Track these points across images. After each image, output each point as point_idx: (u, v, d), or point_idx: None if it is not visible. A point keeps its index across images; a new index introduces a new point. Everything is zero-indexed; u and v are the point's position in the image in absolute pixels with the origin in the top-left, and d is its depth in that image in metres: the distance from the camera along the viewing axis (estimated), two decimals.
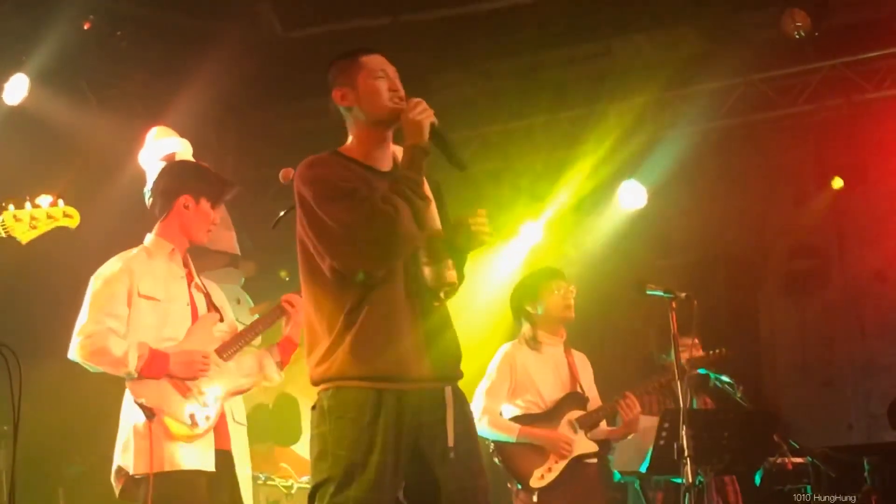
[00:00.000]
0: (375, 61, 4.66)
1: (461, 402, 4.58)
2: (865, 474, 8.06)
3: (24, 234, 5.04)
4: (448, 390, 4.50)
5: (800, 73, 10.75)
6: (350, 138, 4.67)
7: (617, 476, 8.14)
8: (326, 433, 4.35)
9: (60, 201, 5.07)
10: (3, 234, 5.03)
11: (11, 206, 5.01)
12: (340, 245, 4.31)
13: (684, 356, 8.14)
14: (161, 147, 6.83)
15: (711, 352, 7.93)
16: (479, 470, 4.53)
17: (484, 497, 4.49)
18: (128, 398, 5.70)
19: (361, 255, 4.30)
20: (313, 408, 4.46)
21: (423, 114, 4.48)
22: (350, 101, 4.61)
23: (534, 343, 7.65)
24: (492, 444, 7.42)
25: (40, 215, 5.04)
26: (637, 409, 7.50)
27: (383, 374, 4.35)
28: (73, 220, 5.15)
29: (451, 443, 4.42)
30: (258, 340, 6.28)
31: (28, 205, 5.03)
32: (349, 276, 4.33)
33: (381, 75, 4.63)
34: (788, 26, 9.99)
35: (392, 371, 4.37)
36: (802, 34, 9.98)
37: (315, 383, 4.46)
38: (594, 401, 7.70)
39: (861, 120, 10.60)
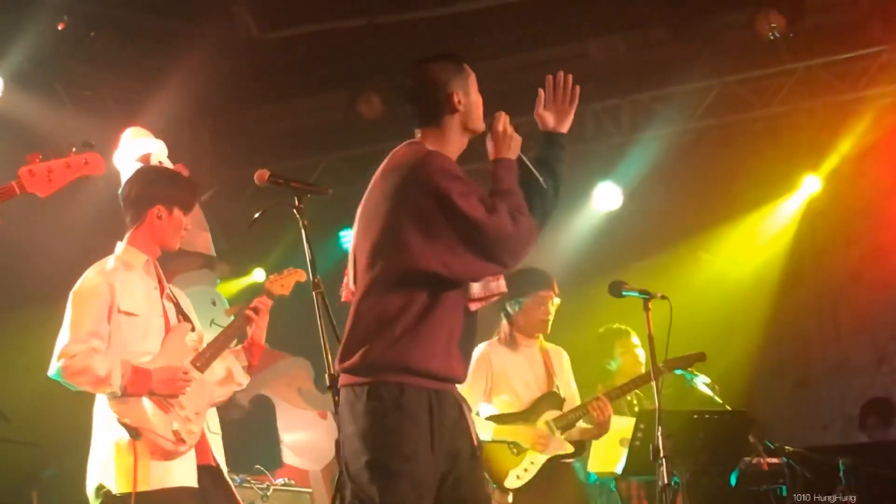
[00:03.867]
0: (474, 76, 4.82)
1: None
2: (840, 475, 8.07)
3: (42, 189, 4.86)
4: (457, 389, 4.67)
5: (775, 75, 10.78)
6: (431, 140, 4.72)
7: (593, 477, 8.14)
8: (395, 427, 4.39)
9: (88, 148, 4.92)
10: (18, 192, 4.86)
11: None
12: (502, 242, 4.43)
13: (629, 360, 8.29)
14: (136, 148, 6.77)
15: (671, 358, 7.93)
16: None
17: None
18: (103, 414, 5.62)
19: (516, 254, 4.50)
20: (353, 391, 4.46)
21: (514, 132, 4.73)
22: (462, 107, 4.72)
23: (510, 342, 7.66)
24: None
25: (58, 166, 4.87)
26: (608, 411, 7.51)
27: (438, 373, 4.48)
28: (95, 168, 4.98)
29: (475, 442, 4.63)
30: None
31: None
32: (480, 278, 4.55)
33: (478, 89, 4.81)
34: (763, 28, 10.04)
35: (443, 371, 4.50)
36: (777, 35, 10.03)
37: (371, 367, 4.45)
38: (571, 397, 7.70)
39: (836, 121, 10.64)
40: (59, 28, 9.54)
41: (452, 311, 4.52)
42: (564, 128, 5.02)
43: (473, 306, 4.62)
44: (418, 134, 4.77)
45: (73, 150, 4.95)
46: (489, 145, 4.73)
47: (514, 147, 4.69)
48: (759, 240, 11.60)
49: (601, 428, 7.55)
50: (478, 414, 7.46)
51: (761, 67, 10.77)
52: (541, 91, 5.01)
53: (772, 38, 10.05)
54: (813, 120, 10.77)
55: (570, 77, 5.01)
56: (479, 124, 4.77)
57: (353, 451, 4.43)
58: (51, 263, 8.79)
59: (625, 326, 8.61)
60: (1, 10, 9.09)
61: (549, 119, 5.00)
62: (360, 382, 4.45)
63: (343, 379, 4.52)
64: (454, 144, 4.73)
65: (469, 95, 4.73)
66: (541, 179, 4.76)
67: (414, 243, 4.41)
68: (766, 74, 10.81)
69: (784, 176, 11.21)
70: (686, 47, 10.90)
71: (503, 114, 4.75)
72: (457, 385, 4.65)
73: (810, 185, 11.12)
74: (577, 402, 7.67)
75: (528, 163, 4.76)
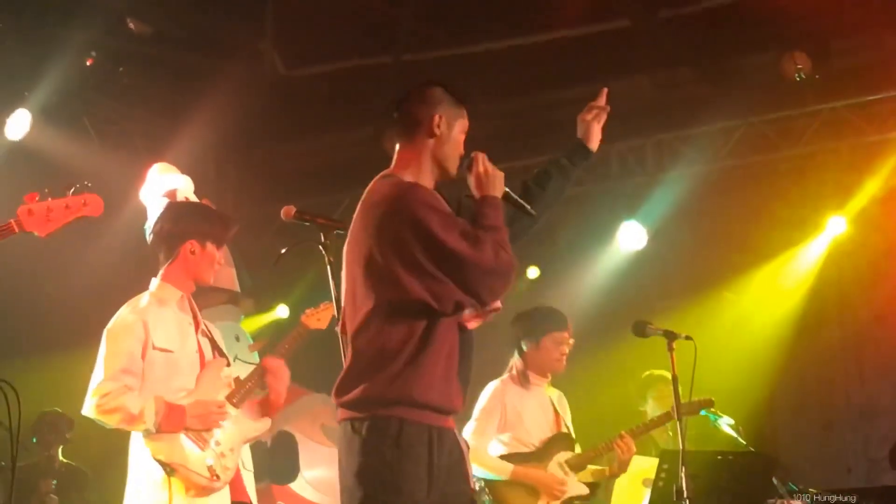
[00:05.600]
0: (467, 121, 4.79)
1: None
2: None
3: (40, 228, 4.90)
4: (455, 429, 4.59)
5: (800, 116, 10.77)
6: (405, 168, 4.68)
7: None
8: (393, 463, 4.31)
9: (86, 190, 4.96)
10: (16, 230, 4.88)
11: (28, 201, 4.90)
12: (483, 276, 4.40)
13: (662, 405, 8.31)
14: (162, 183, 6.79)
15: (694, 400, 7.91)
16: None
17: None
18: (138, 450, 5.62)
19: (495, 290, 4.47)
20: (352, 426, 4.39)
21: (496, 169, 4.66)
22: (440, 133, 4.68)
23: (523, 380, 7.64)
24: (481, 481, 7.37)
25: (57, 206, 4.91)
26: (633, 450, 7.50)
27: (437, 404, 4.41)
28: (94, 209, 5.01)
29: (473, 486, 4.61)
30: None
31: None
32: (466, 304, 4.45)
33: (464, 137, 4.77)
34: (789, 69, 10.04)
35: (442, 401, 4.44)
36: (803, 77, 10.03)
37: (372, 402, 4.38)
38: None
39: (861, 162, 10.62)
40: (88, 64, 9.60)
41: (449, 337, 4.45)
42: (594, 146, 5.04)
43: (471, 325, 4.56)
44: (393, 162, 4.72)
45: (72, 190, 4.98)
46: (473, 187, 4.66)
47: (498, 184, 4.64)
48: (783, 281, 11.57)
49: (623, 467, 7.54)
50: (487, 451, 7.44)
51: (787, 108, 10.76)
52: (599, 100, 5.04)
53: (798, 79, 10.06)
54: (838, 161, 10.75)
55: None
56: (451, 166, 4.70)
57: (349, 487, 4.36)
58: (80, 303, 8.81)
59: (662, 372, 8.62)
60: (30, 45, 9.16)
61: (591, 133, 5.03)
62: (360, 417, 4.38)
63: (342, 414, 4.45)
64: (428, 175, 4.68)
65: (451, 129, 4.69)
66: (528, 208, 4.74)
67: (401, 275, 4.36)
68: (792, 115, 10.80)
69: (809, 217, 11.18)
70: (712, 87, 10.91)
71: (481, 154, 4.68)
72: (463, 419, 4.62)
73: (835, 227, 11.08)
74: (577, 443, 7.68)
75: (515, 197, 4.72)
